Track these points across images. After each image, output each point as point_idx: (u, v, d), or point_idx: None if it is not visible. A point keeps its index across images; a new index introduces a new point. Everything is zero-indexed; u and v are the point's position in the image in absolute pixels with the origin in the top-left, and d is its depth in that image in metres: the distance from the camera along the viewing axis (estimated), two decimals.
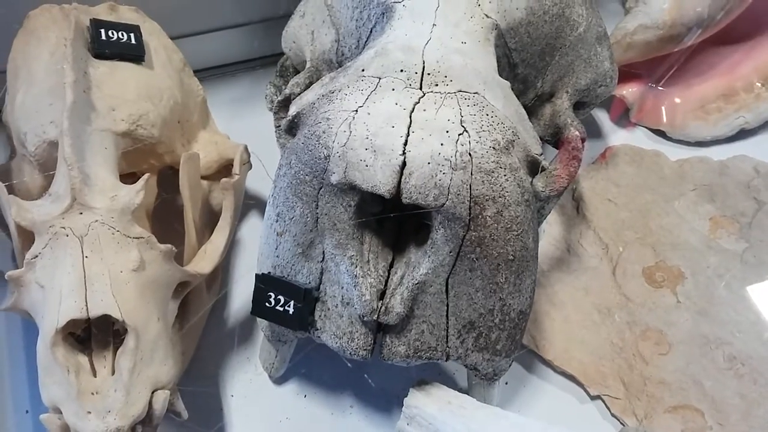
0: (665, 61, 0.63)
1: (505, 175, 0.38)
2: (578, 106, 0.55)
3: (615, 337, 0.50)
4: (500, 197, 0.38)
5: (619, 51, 0.60)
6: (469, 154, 0.38)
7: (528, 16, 0.47)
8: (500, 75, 0.47)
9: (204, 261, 0.45)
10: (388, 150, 0.37)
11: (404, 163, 0.37)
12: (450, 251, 0.39)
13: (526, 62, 0.48)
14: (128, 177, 0.49)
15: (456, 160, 0.37)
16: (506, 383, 0.50)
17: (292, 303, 0.41)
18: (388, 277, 0.40)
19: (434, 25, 0.43)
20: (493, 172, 0.38)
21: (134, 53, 0.49)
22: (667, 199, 0.58)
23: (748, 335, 0.50)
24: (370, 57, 0.41)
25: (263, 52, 0.68)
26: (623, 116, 0.64)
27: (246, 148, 0.52)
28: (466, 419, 0.40)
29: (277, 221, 0.41)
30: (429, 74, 0.40)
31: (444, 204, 0.37)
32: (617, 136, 0.64)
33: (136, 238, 0.40)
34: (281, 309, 0.41)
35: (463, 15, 0.44)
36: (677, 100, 0.63)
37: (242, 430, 0.47)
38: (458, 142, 0.38)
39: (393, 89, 0.39)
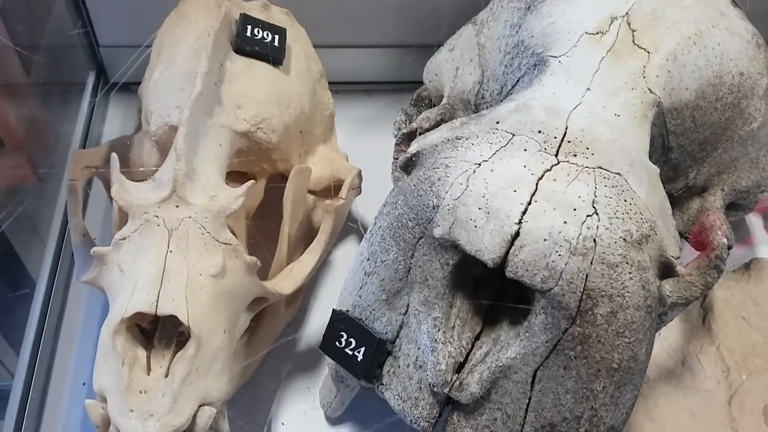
0: None
1: (630, 273, 0.33)
2: (731, 207, 0.49)
3: None
4: (618, 296, 0.33)
5: None
6: (594, 241, 0.33)
7: (697, 99, 0.42)
8: (650, 157, 0.42)
9: (287, 280, 0.43)
10: (504, 215, 0.33)
11: (517, 234, 0.33)
12: (546, 341, 0.34)
13: (683, 148, 0.43)
14: (237, 176, 0.49)
15: (577, 243, 0.33)
16: None
17: (363, 349, 0.38)
18: (471, 350, 0.36)
19: (588, 89, 0.39)
20: (617, 266, 0.33)
21: (274, 55, 0.48)
22: None
23: None
24: (508, 110, 0.38)
25: (404, 77, 0.65)
26: None
27: (359, 174, 0.50)
28: None
29: (368, 260, 0.38)
30: (569, 142, 0.36)
31: (552, 289, 0.33)
32: (761, 248, 0.57)
33: (225, 243, 0.39)
34: (350, 353, 0.38)
35: (624, 84, 0.39)
36: None
37: None
38: (584, 224, 0.33)
39: (525, 150, 0.36)
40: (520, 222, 0.33)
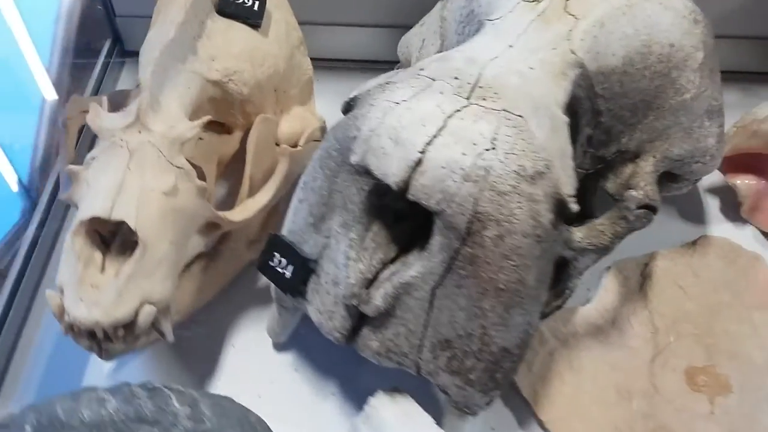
0: None
1: (519, 202, 0.37)
2: (671, 179, 0.51)
3: (623, 424, 0.46)
4: (506, 222, 0.37)
5: (744, 137, 0.55)
6: (486, 170, 0.37)
7: (624, 65, 0.45)
8: (581, 119, 0.46)
9: (238, 211, 0.48)
10: (410, 144, 0.38)
11: (420, 161, 0.37)
12: (442, 261, 0.38)
13: (613, 113, 0.46)
14: (216, 125, 0.54)
15: (471, 171, 0.37)
16: (492, 429, 0.47)
17: (291, 268, 0.42)
18: (383, 270, 0.40)
19: (511, 46, 0.42)
20: (506, 194, 0.37)
21: (253, 18, 0.53)
22: (748, 306, 0.52)
23: None
24: (432, 59, 0.42)
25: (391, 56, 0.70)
26: (732, 208, 0.59)
27: (322, 127, 0.55)
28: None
29: (302, 188, 0.43)
30: (481, 87, 0.40)
31: (445, 210, 0.37)
32: (720, 228, 0.58)
33: (178, 167, 0.44)
34: (281, 271, 0.43)
35: (546, 44, 0.43)
36: None
37: (227, 380, 0.49)
38: (481, 156, 0.37)
39: (441, 93, 0.40)
40: (423, 151, 0.37)
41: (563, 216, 0.40)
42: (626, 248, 0.55)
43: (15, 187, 0.44)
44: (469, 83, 0.40)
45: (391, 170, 0.38)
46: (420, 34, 0.57)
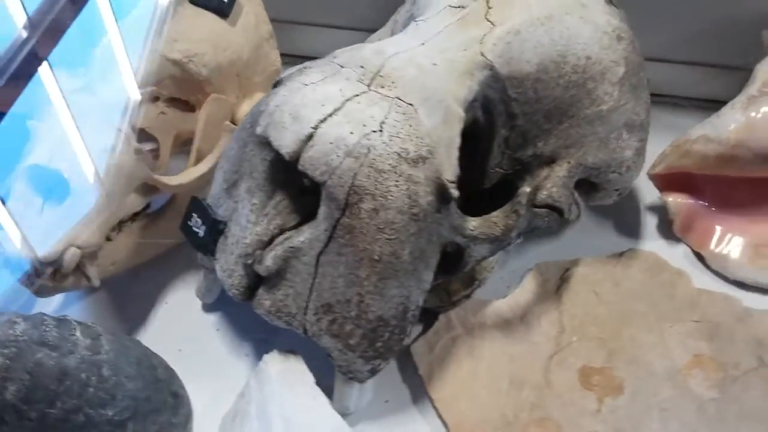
0: (736, 185, 0.58)
1: (396, 181, 0.40)
2: (592, 188, 0.53)
3: (510, 411, 0.48)
4: (381, 197, 0.40)
5: (677, 156, 0.56)
6: (368, 149, 0.40)
7: (538, 72, 0.48)
8: (496, 120, 0.49)
9: (177, 177, 0.52)
10: (305, 120, 0.41)
11: (311, 136, 0.41)
12: (326, 229, 0.41)
13: (527, 117, 0.49)
14: (179, 103, 0.59)
15: (353, 148, 0.40)
16: (387, 401, 0.50)
17: (204, 227, 0.46)
18: (279, 235, 0.44)
19: (423, 43, 0.46)
20: (384, 172, 0.40)
21: (221, 8, 0.58)
22: (661, 318, 0.53)
23: None
24: (346, 49, 0.46)
25: None
26: (668, 225, 0.60)
27: None
28: (283, 392, 0.42)
29: (222, 156, 0.47)
30: (381, 76, 0.43)
31: (326, 182, 0.40)
32: (653, 243, 0.60)
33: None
34: (196, 230, 0.47)
35: (457, 45, 0.46)
36: (731, 232, 0.58)
37: (154, 332, 0.53)
38: (366, 136, 0.41)
39: (347, 79, 0.43)
40: (316, 127, 0.41)
41: (445, 200, 0.43)
42: (558, 254, 0.58)
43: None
44: (371, 72, 0.43)
45: (285, 142, 0.41)
46: (378, 35, 0.61)
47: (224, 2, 0.59)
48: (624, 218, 0.62)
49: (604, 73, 0.49)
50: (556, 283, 0.56)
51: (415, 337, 0.52)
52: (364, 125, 0.41)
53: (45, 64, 0.46)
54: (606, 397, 0.49)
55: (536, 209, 0.49)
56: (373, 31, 0.62)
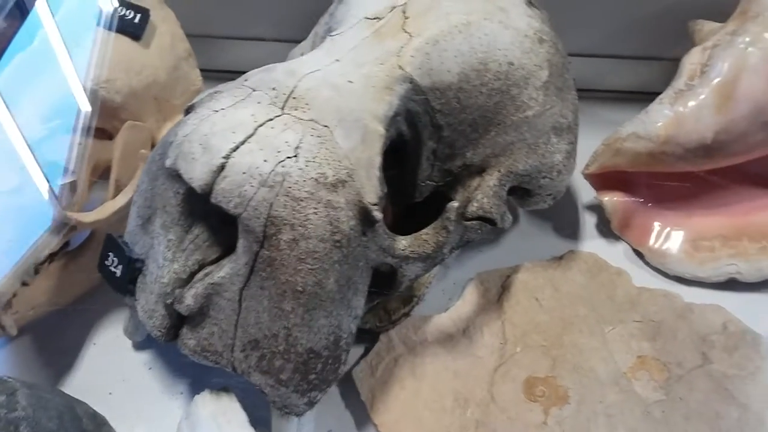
0: (672, 180, 0.58)
1: (315, 208, 0.39)
2: (526, 194, 0.52)
3: (455, 430, 0.47)
4: (300, 226, 0.38)
5: (609, 155, 0.56)
6: (283, 176, 0.38)
7: (460, 82, 0.46)
8: (422, 132, 0.47)
9: (93, 212, 0.50)
10: (216, 150, 0.39)
11: (223, 167, 0.39)
12: (246, 263, 0.39)
13: (453, 127, 0.47)
14: (98, 132, 0.56)
15: (268, 177, 0.38)
16: (330, 430, 0.48)
17: (120, 267, 0.44)
18: (199, 271, 0.42)
19: (338, 60, 0.44)
20: (302, 200, 0.38)
21: (133, 32, 0.56)
22: (602, 321, 0.53)
23: None
24: (257, 71, 0.44)
25: None
26: (607, 224, 0.59)
27: None
28: (207, 430, 0.40)
29: (135, 191, 0.45)
30: (295, 98, 0.41)
31: (241, 214, 0.38)
32: (592, 243, 0.59)
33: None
34: (113, 269, 0.44)
35: (374, 59, 0.44)
36: (668, 227, 0.58)
37: (82, 376, 0.51)
38: (281, 163, 0.39)
39: (259, 102, 0.41)
40: (227, 157, 0.39)
41: (370, 223, 0.41)
42: (499, 261, 0.57)
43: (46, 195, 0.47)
44: (284, 94, 0.42)
45: (195, 174, 0.39)
46: (300, 48, 0.59)
47: (136, 23, 0.56)
48: (563, 220, 0.61)
49: (528, 78, 0.48)
50: (497, 291, 0.55)
51: (356, 361, 0.51)
52: (278, 152, 0.39)
53: None
54: (552, 408, 0.48)
55: (468, 222, 0.47)
56: (297, 42, 0.60)
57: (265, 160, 0.39)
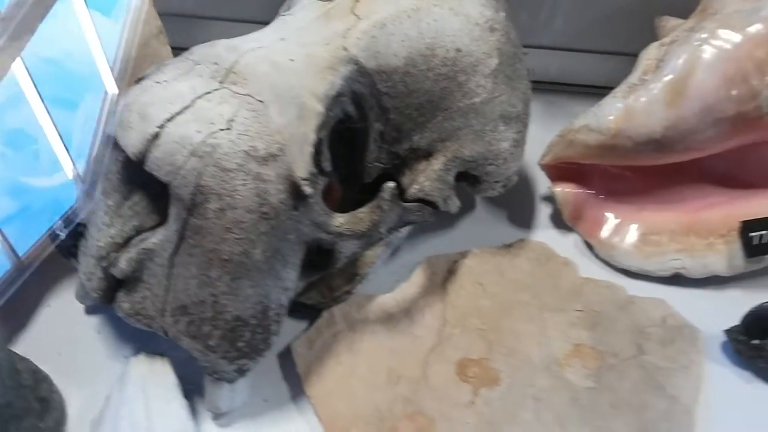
0: (625, 173, 0.59)
1: (243, 180, 0.40)
2: (474, 180, 0.53)
3: (384, 405, 0.48)
4: (228, 196, 0.40)
5: (562, 146, 0.57)
6: (213, 147, 0.40)
7: (407, 66, 0.47)
8: (369, 114, 0.48)
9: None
10: (151, 119, 0.41)
11: (157, 135, 0.40)
12: (176, 230, 0.41)
13: (399, 110, 0.48)
14: None
15: (198, 147, 0.40)
16: (266, 400, 0.50)
17: (65, 230, 0.46)
18: (136, 237, 0.43)
19: (282, 39, 0.45)
20: (230, 171, 0.40)
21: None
22: (544, 308, 0.54)
23: None
24: (202, 45, 0.45)
25: None
26: (558, 214, 0.60)
27: None
28: (137, 395, 0.42)
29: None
30: (234, 73, 0.43)
31: (172, 182, 0.40)
32: (545, 233, 0.60)
33: None
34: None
35: (319, 40, 0.45)
36: (619, 220, 0.58)
37: (34, 336, 0.52)
38: (213, 134, 0.40)
39: (200, 76, 0.43)
40: (161, 126, 0.40)
41: (301, 197, 0.42)
42: (452, 247, 0.58)
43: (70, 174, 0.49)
44: (225, 68, 0.43)
45: (131, 142, 0.41)
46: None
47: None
48: (519, 209, 0.62)
49: (476, 65, 0.49)
50: (443, 275, 0.56)
51: (299, 335, 0.52)
52: (212, 123, 0.40)
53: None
54: (481, 389, 0.49)
55: (407, 204, 0.48)
56: (267, 23, 0.61)
57: (198, 131, 0.40)
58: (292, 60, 0.44)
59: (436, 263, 0.57)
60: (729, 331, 0.52)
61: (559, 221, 0.61)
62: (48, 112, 0.46)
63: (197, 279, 0.41)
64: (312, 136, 0.43)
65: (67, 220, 0.48)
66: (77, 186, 0.49)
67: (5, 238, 0.45)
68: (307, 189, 0.42)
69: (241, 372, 0.45)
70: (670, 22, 0.58)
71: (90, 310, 0.54)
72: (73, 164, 0.49)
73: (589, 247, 0.59)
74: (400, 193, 0.49)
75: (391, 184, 0.47)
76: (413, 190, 0.48)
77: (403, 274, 0.57)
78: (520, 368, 0.50)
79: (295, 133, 0.42)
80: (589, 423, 0.48)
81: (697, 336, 0.52)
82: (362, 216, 0.46)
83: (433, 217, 0.51)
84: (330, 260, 0.47)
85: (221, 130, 0.40)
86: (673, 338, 0.52)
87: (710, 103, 0.52)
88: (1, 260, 0.47)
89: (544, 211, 0.62)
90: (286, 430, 0.48)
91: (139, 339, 0.53)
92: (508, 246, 0.58)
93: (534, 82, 0.70)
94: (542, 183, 0.62)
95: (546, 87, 0.70)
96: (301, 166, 0.42)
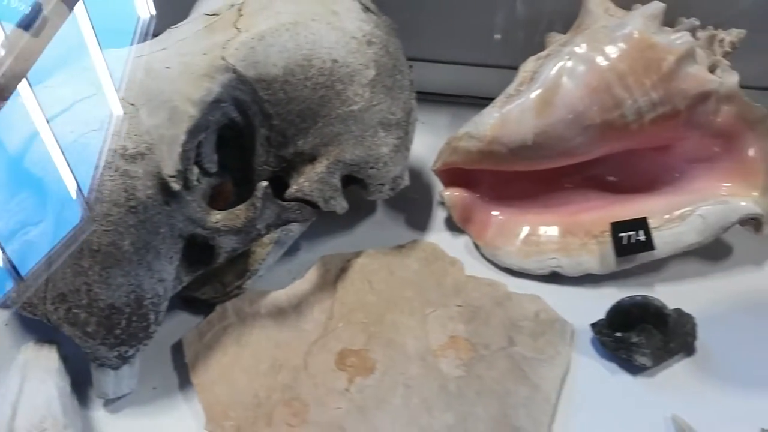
0: (510, 179, 0.62)
1: (111, 176, 0.43)
2: (361, 184, 0.57)
3: (263, 392, 0.51)
4: (97, 190, 0.43)
5: (448, 153, 0.60)
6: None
7: (285, 75, 0.51)
8: (253, 120, 0.52)
9: None
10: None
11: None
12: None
13: (282, 116, 0.52)
14: None
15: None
16: (154, 388, 0.53)
17: None
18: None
19: (164, 48, 0.49)
20: (101, 168, 0.43)
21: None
22: (426, 304, 0.57)
23: None
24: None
25: None
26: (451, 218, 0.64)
27: None
28: (18, 380, 0.45)
29: None
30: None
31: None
32: (439, 235, 0.64)
33: None
34: None
35: (198, 50, 0.49)
36: (503, 222, 0.62)
37: None
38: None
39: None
40: None
41: (171, 194, 0.46)
42: (349, 247, 0.62)
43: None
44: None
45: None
46: None
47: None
48: (417, 212, 0.66)
49: (353, 76, 0.53)
50: (336, 273, 0.59)
51: (192, 328, 0.55)
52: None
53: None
54: (357, 377, 0.52)
55: (285, 203, 0.52)
56: None
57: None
58: (168, 68, 0.48)
59: (331, 262, 0.60)
60: (594, 325, 0.55)
61: (452, 224, 0.64)
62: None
63: (71, 268, 0.44)
64: (182, 137, 0.47)
65: None
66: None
67: None
68: (175, 186, 0.45)
69: (124, 359, 0.48)
70: (555, 37, 0.62)
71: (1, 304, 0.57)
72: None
73: (477, 247, 0.62)
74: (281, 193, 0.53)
75: (263, 184, 0.51)
76: (292, 190, 0.52)
77: (300, 272, 0.60)
78: (395, 358, 0.54)
79: (165, 134, 0.46)
80: (454, 408, 0.51)
81: (567, 329, 0.56)
82: (238, 213, 0.50)
83: (314, 216, 0.55)
84: (211, 255, 0.51)
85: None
86: (544, 331, 0.55)
87: (577, 111, 0.56)
88: None
89: (440, 215, 0.66)
90: (171, 417, 0.51)
91: (43, 331, 0.56)
92: (401, 246, 0.62)
93: (441, 94, 0.74)
94: (440, 188, 0.66)
95: (452, 99, 0.74)
96: (170, 165, 0.45)
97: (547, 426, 0.50)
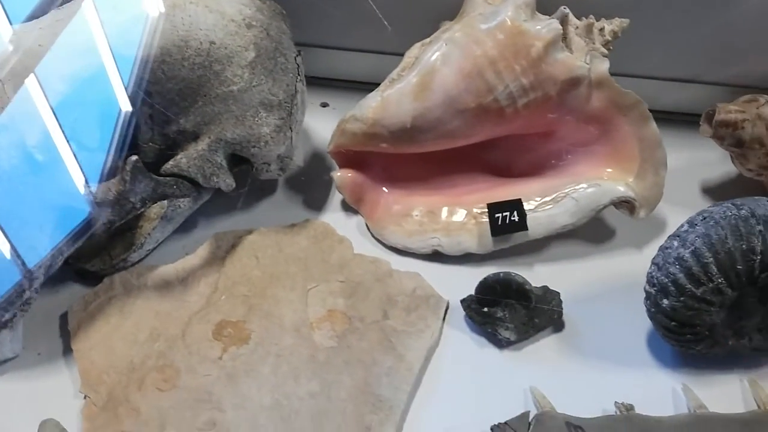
0: (401, 161, 0.64)
1: None
2: (243, 162, 0.59)
3: (138, 359, 0.54)
4: None
5: (338, 135, 0.62)
6: None
7: (163, 56, 0.53)
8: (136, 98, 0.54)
9: None
10: None
11: None
12: None
13: (162, 95, 0.55)
14: None
15: None
16: (39, 354, 0.55)
17: None
18: None
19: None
20: None
21: None
22: (309, 279, 0.59)
23: (245, 414, 0.51)
24: None
25: None
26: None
27: None
28: None
29: None
30: None
31: None
32: (333, 215, 0.66)
33: None
34: None
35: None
36: (392, 203, 0.64)
37: None
38: None
39: None
40: None
41: None
42: (246, 226, 0.64)
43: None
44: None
45: None
46: None
47: None
48: (315, 193, 0.68)
49: (231, 57, 0.55)
50: (226, 249, 0.62)
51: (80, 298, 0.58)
52: None
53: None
54: (231, 347, 0.55)
55: (161, 178, 0.54)
56: None
57: None
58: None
59: (223, 238, 0.63)
60: (464, 300, 0.57)
61: (348, 205, 0.66)
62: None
63: None
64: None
65: None
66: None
67: None
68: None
69: (2, 324, 0.51)
70: (446, 24, 0.64)
71: None
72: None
73: (368, 227, 0.65)
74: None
75: (132, 158, 0.53)
76: (168, 166, 0.54)
77: (194, 248, 0.62)
78: (271, 329, 0.56)
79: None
80: (320, 376, 0.53)
81: (441, 305, 0.58)
82: (110, 186, 0.52)
83: (193, 192, 0.57)
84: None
85: None
86: (417, 306, 0.58)
87: (452, 95, 0.58)
88: None
89: (338, 197, 0.68)
90: (50, 381, 0.54)
91: None
92: (293, 225, 0.64)
93: (352, 81, 0.76)
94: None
95: (362, 87, 0.75)
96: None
97: (407, 393, 0.53)
